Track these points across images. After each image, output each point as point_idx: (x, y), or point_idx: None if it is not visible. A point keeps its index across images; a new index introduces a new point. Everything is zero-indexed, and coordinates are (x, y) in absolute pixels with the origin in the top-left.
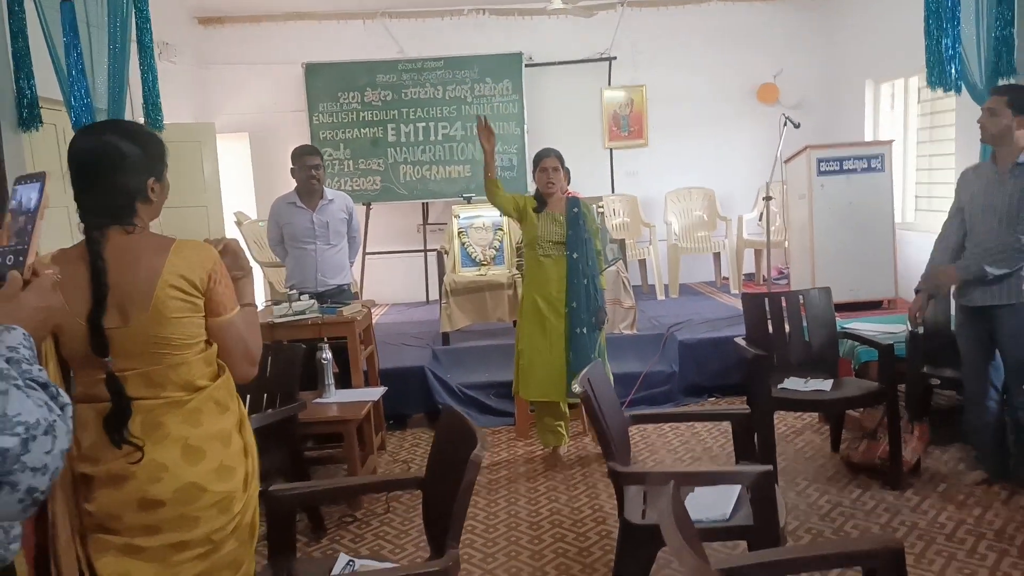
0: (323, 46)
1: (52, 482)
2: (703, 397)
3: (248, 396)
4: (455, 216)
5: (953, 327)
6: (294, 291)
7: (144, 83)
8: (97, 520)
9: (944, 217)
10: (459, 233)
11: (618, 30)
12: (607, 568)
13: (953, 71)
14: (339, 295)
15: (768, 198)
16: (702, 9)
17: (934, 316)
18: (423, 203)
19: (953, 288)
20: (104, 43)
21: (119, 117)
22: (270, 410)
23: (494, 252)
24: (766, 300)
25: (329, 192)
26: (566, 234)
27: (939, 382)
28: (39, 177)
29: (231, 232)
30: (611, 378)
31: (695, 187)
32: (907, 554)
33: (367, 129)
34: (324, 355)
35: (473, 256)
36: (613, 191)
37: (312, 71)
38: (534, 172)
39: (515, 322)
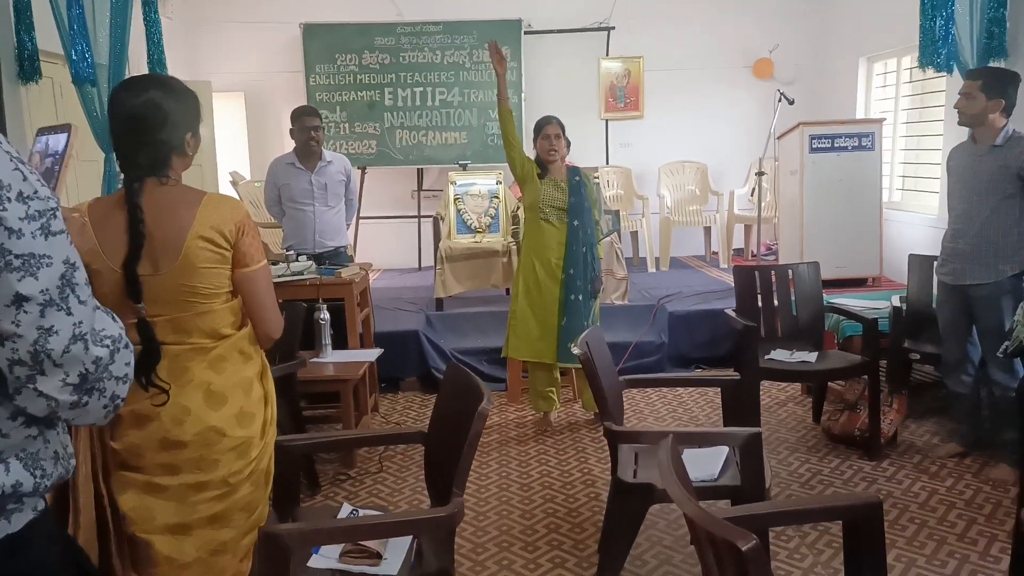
0: (321, 7)
1: (128, 388)
2: (691, 367)
3: None
4: (451, 183)
5: (934, 304)
6: (291, 252)
7: (148, 39)
8: (121, 457)
9: (930, 198)
10: (455, 200)
11: (617, 0)
12: (595, 527)
13: (946, 51)
14: (336, 257)
15: (760, 173)
16: None
17: (917, 292)
18: (418, 168)
19: (935, 264)
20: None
21: (120, 71)
22: (271, 366)
23: (489, 220)
24: (756, 273)
25: (328, 154)
26: (568, 200)
27: (919, 357)
28: (65, 128)
29: (226, 190)
30: None
31: (688, 161)
32: None
33: (364, 92)
34: (322, 315)
35: (469, 223)
36: (607, 162)
37: (310, 32)
38: (535, 139)
39: (508, 290)
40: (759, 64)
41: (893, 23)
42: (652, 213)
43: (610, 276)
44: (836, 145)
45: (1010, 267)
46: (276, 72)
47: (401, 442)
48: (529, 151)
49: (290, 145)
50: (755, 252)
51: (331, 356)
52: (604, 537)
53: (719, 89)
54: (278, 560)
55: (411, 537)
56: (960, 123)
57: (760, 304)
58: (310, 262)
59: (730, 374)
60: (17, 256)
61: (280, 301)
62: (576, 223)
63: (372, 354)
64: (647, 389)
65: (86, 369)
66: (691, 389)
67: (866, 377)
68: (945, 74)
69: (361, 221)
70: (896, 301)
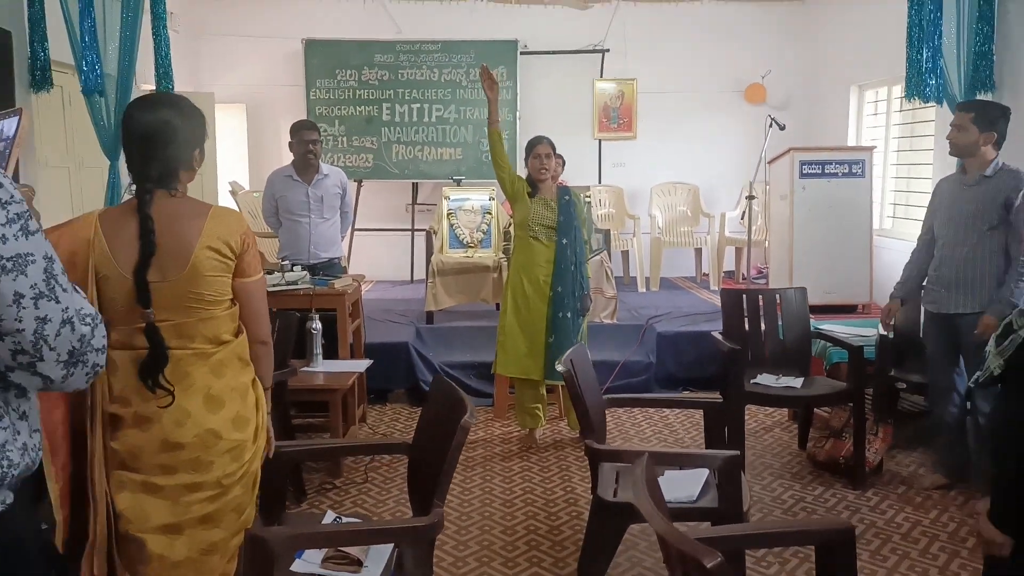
0: (323, 23)
1: (105, 357)
2: (678, 389)
3: None
4: (445, 197)
5: (922, 333)
6: (287, 262)
7: (157, 52)
8: (120, 458)
9: (919, 226)
10: (448, 214)
11: (612, 23)
12: (575, 546)
13: (933, 83)
14: (330, 268)
15: (751, 197)
16: (695, 7)
17: (904, 322)
18: (413, 183)
19: (922, 293)
20: (117, 11)
21: (128, 82)
22: None
23: (482, 235)
24: (744, 297)
25: (325, 167)
26: (557, 219)
27: (905, 386)
28: (16, 112)
29: (225, 201)
30: None
31: (680, 182)
32: (863, 550)
33: (362, 107)
34: (314, 325)
35: (461, 238)
36: (600, 181)
37: (311, 47)
38: (526, 158)
39: (498, 305)
40: (751, 89)
41: (884, 53)
42: (643, 233)
43: (599, 295)
44: (827, 171)
45: (990, 296)
46: (277, 85)
47: (386, 452)
48: (523, 170)
49: (289, 158)
50: (745, 275)
51: (321, 366)
52: (583, 555)
53: (711, 112)
54: (263, 562)
55: (392, 546)
56: (951, 154)
57: (747, 328)
58: (304, 272)
59: (713, 397)
60: (8, 259)
61: (273, 310)
62: (564, 241)
63: (361, 365)
64: (634, 410)
65: (73, 347)
66: (679, 411)
67: (851, 404)
68: (934, 104)
69: (356, 233)
70: (883, 329)
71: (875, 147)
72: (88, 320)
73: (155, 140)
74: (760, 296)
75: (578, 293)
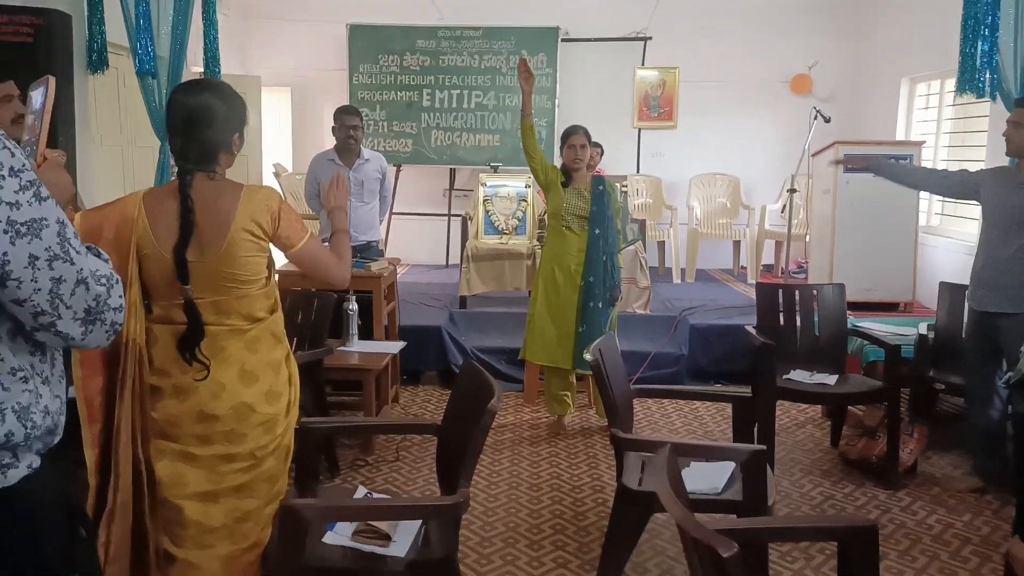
0: (366, 8)
1: (124, 316)
2: (709, 382)
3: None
4: (482, 184)
5: (963, 334)
6: (327, 243)
7: (206, 37)
8: (159, 427)
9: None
10: (484, 201)
11: (656, 10)
12: (600, 532)
13: (988, 77)
14: (368, 251)
15: (793, 190)
16: None
17: (946, 321)
18: (451, 168)
19: (967, 292)
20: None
21: (179, 65)
22: (299, 352)
23: (517, 222)
24: (779, 291)
25: (366, 152)
26: (590, 209)
27: (944, 387)
28: (45, 81)
29: (269, 181)
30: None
31: (720, 173)
32: (892, 550)
33: (404, 93)
34: (351, 307)
35: (496, 224)
36: (638, 171)
37: (355, 32)
38: (562, 148)
39: (531, 292)
40: (797, 80)
41: (937, 44)
42: (680, 224)
43: (633, 285)
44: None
45: None
46: (322, 70)
47: (416, 432)
48: (559, 158)
49: (331, 141)
50: (785, 269)
51: (357, 346)
52: (607, 541)
53: (755, 103)
54: (296, 532)
55: (420, 522)
56: (1008, 153)
57: (782, 323)
58: None
59: (743, 391)
60: (23, 223)
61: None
62: (597, 231)
63: (395, 346)
64: (665, 401)
65: (89, 305)
66: (710, 404)
67: (886, 404)
68: (988, 100)
69: (394, 217)
70: (923, 329)
71: (924, 142)
72: (103, 281)
73: (196, 122)
74: (796, 291)
75: (609, 283)
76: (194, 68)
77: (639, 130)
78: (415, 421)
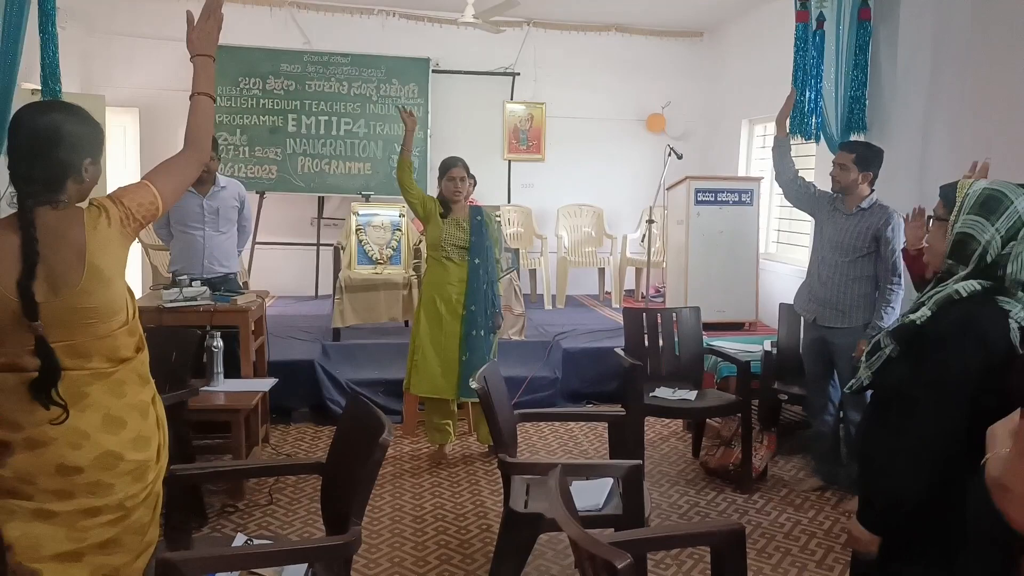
0: (226, 29)
1: None
2: (582, 403)
3: None
4: (354, 213)
5: (801, 349)
6: (183, 276)
7: (44, 51)
8: (9, 485)
9: (800, 251)
10: (357, 230)
11: (523, 47)
12: (486, 558)
13: (813, 122)
14: (225, 283)
15: (651, 221)
16: (602, 37)
17: (786, 339)
18: (319, 196)
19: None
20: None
21: (10, 80)
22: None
23: (391, 252)
24: (644, 315)
25: (222, 179)
26: (469, 240)
27: (786, 398)
28: None
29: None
30: None
31: (586, 204)
32: (750, 549)
33: (267, 117)
34: (215, 343)
35: (370, 254)
36: (509, 201)
37: None
38: (440, 179)
39: (407, 322)
40: (652, 119)
41: (772, 91)
42: (550, 252)
43: (508, 312)
44: (719, 199)
45: (862, 315)
46: (174, 90)
47: (299, 472)
48: (434, 187)
49: None
50: (644, 294)
51: (223, 385)
52: (494, 566)
53: (616, 139)
54: None
55: (306, 566)
56: (833, 190)
57: (647, 344)
58: (204, 288)
59: (617, 410)
60: None
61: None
62: (477, 261)
63: (266, 384)
64: (540, 423)
65: None
66: (581, 424)
67: (739, 415)
68: (813, 142)
69: (257, 246)
70: (767, 346)
71: (762, 178)
72: None
73: (41, 141)
74: (659, 315)
75: (490, 311)
76: (26, 84)
77: (509, 162)
78: (297, 461)
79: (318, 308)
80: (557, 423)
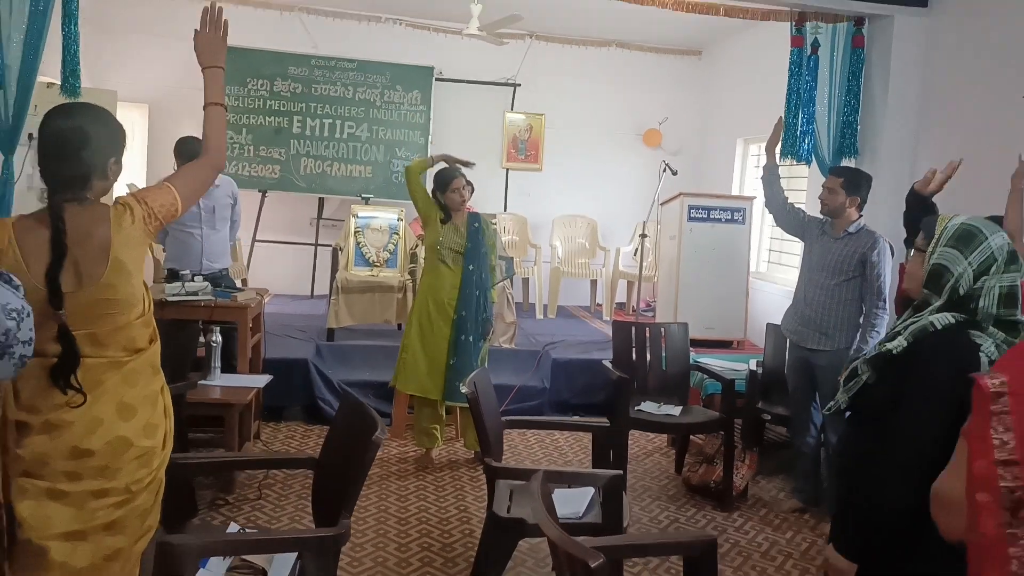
0: (236, 30)
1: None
2: (569, 414)
3: None
4: (353, 215)
5: (786, 370)
6: (186, 273)
7: (65, 50)
8: (24, 465)
9: (790, 271)
10: (355, 232)
11: (525, 59)
12: (467, 562)
13: (806, 145)
14: (221, 279)
15: (644, 235)
16: (602, 52)
17: (771, 358)
18: (320, 197)
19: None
20: (25, 5)
21: (31, 76)
22: None
23: (388, 254)
24: (633, 329)
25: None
26: (466, 245)
27: (770, 417)
28: None
29: None
30: None
31: (580, 215)
32: (727, 567)
33: (272, 118)
34: (214, 338)
35: (367, 256)
36: (506, 209)
37: None
38: (443, 190)
39: (400, 325)
40: (649, 133)
41: (767, 111)
42: (544, 262)
43: (500, 320)
44: (712, 216)
45: (846, 338)
46: (184, 87)
47: (293, 467)
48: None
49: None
50: (635, 307)
51: (219, 380)
52: (475, 568)
53: (612, 151)
54: (172, 569)
55: (295, 557)
56: (822, 212)
57: (634, 358)
58: (206, 283)
59: (601, 421)
60: None
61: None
62: (471, 267)
63: (261, 380)
64: (526, 432)
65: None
66: (567, 434)
67: (722, 432)
68: (805, 164)
69: (256, 244)
70: (753, 365)
71: (755, 197)
72: (14, 315)
73: (68, 146)
74: (647, 329)
75: (481, 318)
76: (42, 78)
77: (507, 170)
78: (292, 456)
79: (313, 308)
80: (543, 433)
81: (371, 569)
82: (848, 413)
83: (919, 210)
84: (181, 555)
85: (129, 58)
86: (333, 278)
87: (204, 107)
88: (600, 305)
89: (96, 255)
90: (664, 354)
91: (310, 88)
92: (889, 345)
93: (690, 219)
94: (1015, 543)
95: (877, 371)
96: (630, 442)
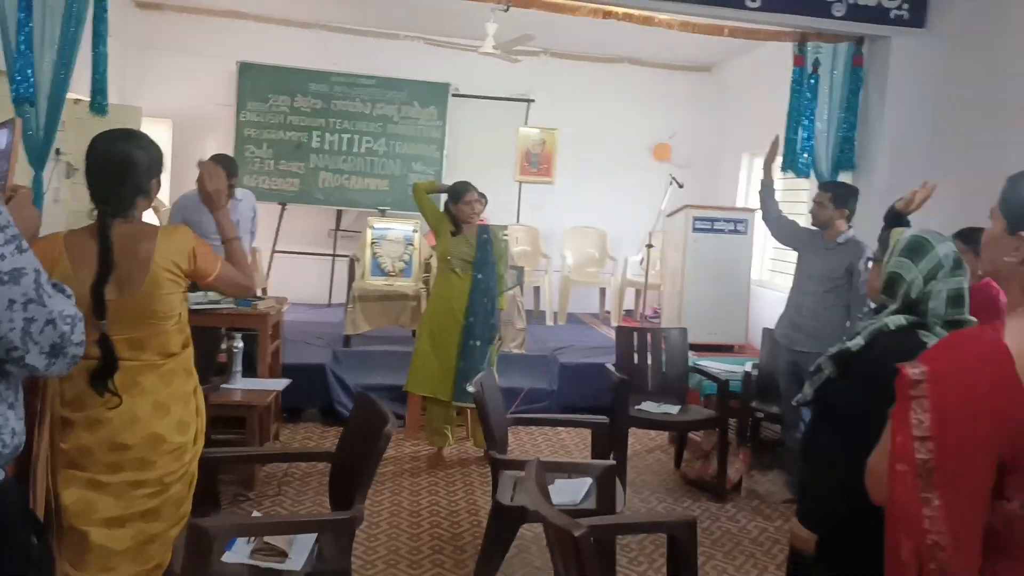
0: (258, 47)
1: (84, 349)
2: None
3: None
4: (370, 227)
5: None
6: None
7: (95, 69)
8: (69, 457)
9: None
10: (372, 243)
11: (539, 76)
12: (475, 549)
13: (805, 159)
14: None
15: (650, 245)
16: (614, 68)
17: (767, 361)
18: (338, 210)
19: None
20: (57, 23)
21: (61, 95)
22: None
23: (403, 265)
24: (635, 334)
25: (239, 191)
26: (475, 255)
27: (763, 415)
28: (9, 124)
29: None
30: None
31: (590, 227)
32: (718, 551)
33: (292, 133)
34: (236, 344)
35: (383, 266)
36: (518, 221)
37: (245, 69)
38: (456, 202)
39: (414, 331)
40: (659, 148)
41: (772, 127)
42: (554, 271)
43: (510, 326)
44: (715, 228)
45: (833, 341)
46: (208, 104)
47: (312, 460)
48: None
49: None
50: (643, 314)
51: (240, 383)
52: (482, 552)
53: (622, 165)
54: (202, 549)
55: (314, 539)
56: (813, 224)
57: (636, 361)
58: None
59: (600, 418)
60: (6, 272)
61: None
62: (480, 276)
63: (280, 384)
64: (533, 431)
65: (55, 341)
66: (572, 433)
67: (717, 429)
68: (804, 178)
69: (276, 254)
70: (749, 367)
71: (757, 209)
72: (68, 320)
73: (116, 172)
74: (648, 334)
75: (488, 324)
76: (71, 95)
77: (520, 183)
78: (311, 450)
79: (331, 316)
80: (549, 431)
81: (385, 557)
82: (814, 405)
83: (895, 227)
84: (211, 536)
85: (153, 75)
86: (350, 287)
87: (223, 243)
88: (609, 312)
89: (138, 268)
90: (664, 357)
91: (329, 104)
92: (849, 344)
93: (695, 230)
94: (928, 505)
95: (839, 367)
96: (633, 440)
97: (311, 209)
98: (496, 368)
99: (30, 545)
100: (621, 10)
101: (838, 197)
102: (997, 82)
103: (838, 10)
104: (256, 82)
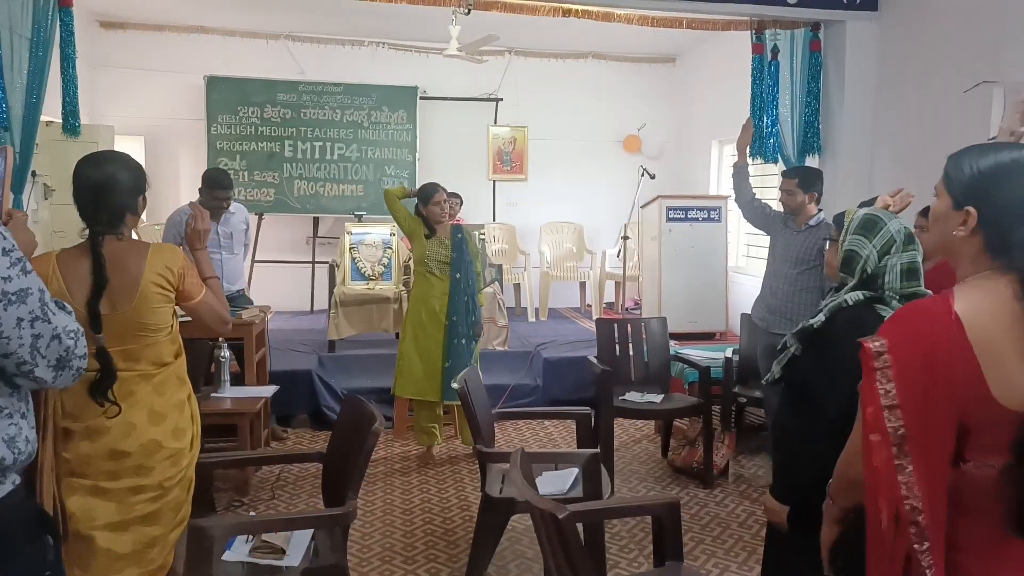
0: (225, 61)
1: (87, 362)
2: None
3: None
4: (347, 232)
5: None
6: None
7: (65, 92)
8: (71, 466)
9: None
10: (350, 248)
11: (505, 75)
12: (467, 543)
13: (772, 145)
14: (238, 299)
15: (626, 237)
16: (579, 64)
17: (747, 346)
18: (314, 217)
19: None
20: (25, 50)
21: (34, 119)
22: None
23: (382, 268)
24: (615, 325)
25: (232, 205)
26: (451, 256)
27: (745, 400)
28: (3, 151)
29: None
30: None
31: (566, 221)
32: (707, 535)
33: (264, 143)
34: (223, 353)
35: (362, 271)
36: (494, 219)
37: (213, 83)
38: (425, 204)
39: (397, 334)
40: (628, 140)
41: (738, 114)
42: (533, 267)
43: (492, 324)
44: (689, 216)
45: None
46: (177, 119)
47: (304, 461)
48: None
49: (187, 190)
50: (623, 306)
51: (229, 392)
52: (473, 544)
53: (594, 159)
54: (203, 548)
55: (310, 536)
56: (784, 212)
57: (618, 352)
58: None
59: (584, 409)
60: (13, 293)
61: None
62: (458, 276)
63: (268, 391)
64: (520, 425)
65: (60, 355)
66: (559, 425)
67: (701, 416)
68: (773, 163)
69: (256, 264)
70: (729, 353)
71: (730, 196)
72: (72, 335)
73: (103, 193)
74: (629, 325)
75: (470, 321)
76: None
77: (494, 182)
78: (302, 451)
79: (314, 322)
80: (536, 425)
81: (380, 554)
82: (783, 382)
83: None
84: (211, 535)
85: (122, 93)
86: (331, 293)
87: (204, 280)
88: (590, 305)
89: (128, 285)
90: (645, 347)
91: (299, 113)
92: (811, 321)
93: (668, 220)
94: (902, 472)
95: (803, 344)
96: (620, 431)
97: (288, 218)
98: (479, 365)
99: (46, 545)
100: (580, 7)
101: (805, 181)
102: (947, 60)
103: None
104: (225, 95)
